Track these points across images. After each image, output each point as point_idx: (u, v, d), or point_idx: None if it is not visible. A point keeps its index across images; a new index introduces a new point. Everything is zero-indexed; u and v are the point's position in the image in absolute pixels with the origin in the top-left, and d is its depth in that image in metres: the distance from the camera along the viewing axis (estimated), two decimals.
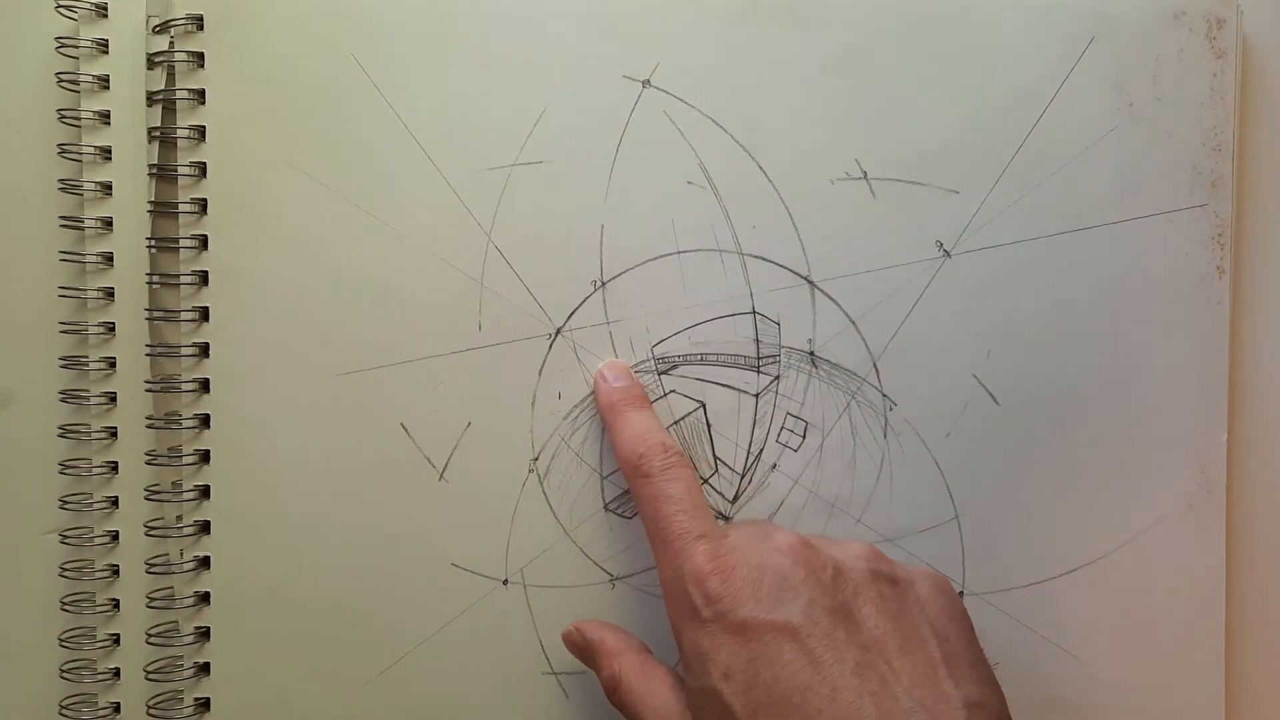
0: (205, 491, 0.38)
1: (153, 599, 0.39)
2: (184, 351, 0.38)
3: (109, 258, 0.38)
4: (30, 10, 0.39)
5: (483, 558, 0.38)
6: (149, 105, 0.38)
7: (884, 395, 0.39)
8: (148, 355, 0.38)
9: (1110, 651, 0.39)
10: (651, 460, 0.35)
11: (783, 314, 0.39)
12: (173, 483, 0.39)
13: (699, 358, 0.39)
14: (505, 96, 0.38)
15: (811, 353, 0.39)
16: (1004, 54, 0.39)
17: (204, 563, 0.39)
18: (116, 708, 0.39)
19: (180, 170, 0.38)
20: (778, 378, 0.39)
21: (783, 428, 0.39)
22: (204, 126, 0.38)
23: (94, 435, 0.38)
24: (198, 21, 0.38)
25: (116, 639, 0.39)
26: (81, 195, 0.38)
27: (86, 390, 0.39)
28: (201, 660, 0.39)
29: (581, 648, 0.36)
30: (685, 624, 0.32)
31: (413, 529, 0.38)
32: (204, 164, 0.38)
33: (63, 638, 0.39)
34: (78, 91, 0.38)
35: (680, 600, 0.32)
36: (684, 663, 0.32)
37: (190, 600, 0.39)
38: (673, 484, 0.34)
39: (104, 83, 0.38)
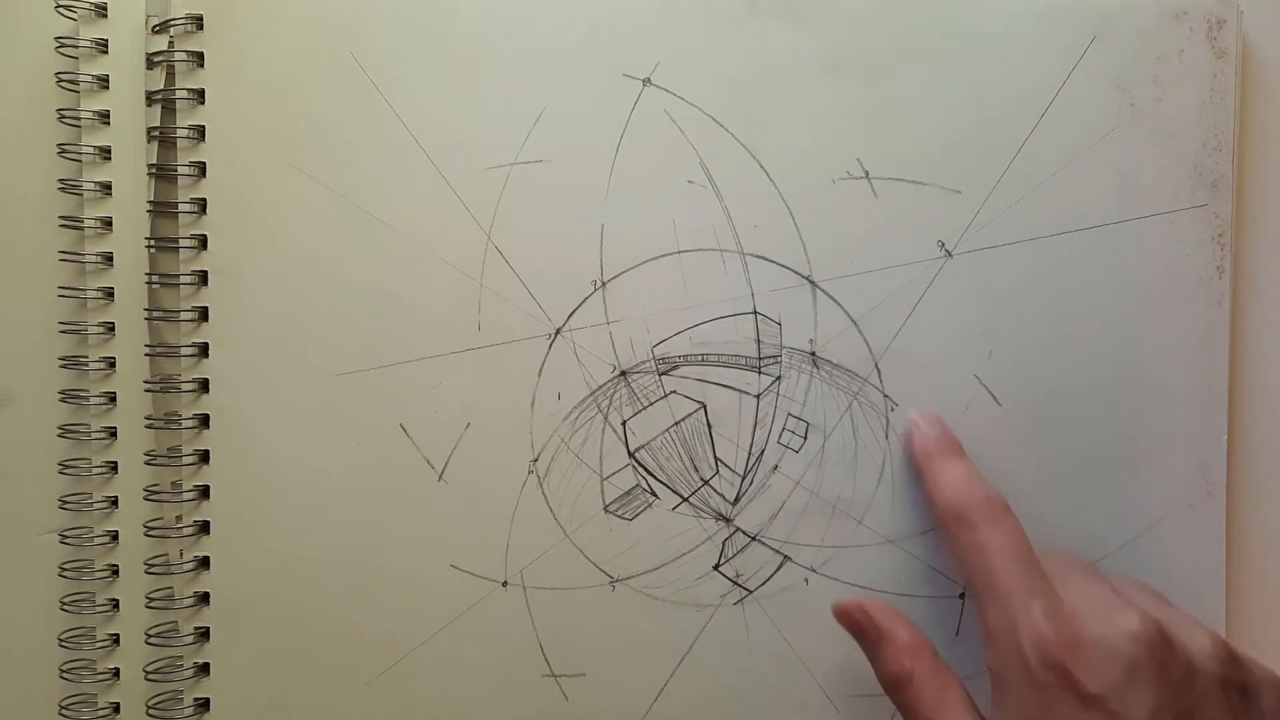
0: (205, 491, 0.38)
1: (152, 599, 0.39)
2: (183, 351, 0.38)
3: (109, 258, 0.38)
4: (30, 10, 0.38)
5: (482, 559, 0.38)
6: (148, 105, 0.38)
7: (885, 396, 0.39)
8: (147, 355, 0.38)
9: None
10: (977, 508, 0.34)
11: (784, 314, 0.39)
12: (172, 483, 0.39)
13: (700, 358, 0.39)
14: (505, 95, 0.38)
15: (813, 353, 0.39)
16: (1005, 53, 0.39)
17: (204, 563, 0.38)
18: (116, 708, 0.39)
19: (180, 170, 0.38)
20: (779, 378, 0.39)
21: (784, 429, 0.39)
22: (204, 126, 0.38)
23: (94, 435, 0.38)
24: (197, 21, 0.38)
25: (116, 639, 0.39)
26: (81, 195, 0.38)
27: (86, 390, 0.38)
28: (201, 660, 0.39)
29: (862, 628, 0.35)
30: (1015, 682, 0.31)
31: (412, 530, 0.38)
32: (203, 164, 0.38)
33: (63, 638, 0.39)
34: (77, 91, 0.38)
35: (1013, 656, 0.31)
36: (1006, 712, 0.31)
37: (190, 600, 0.38)
38: (1000, 535, 0.33)
39: (104, 83, 0.38)
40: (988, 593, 0.33)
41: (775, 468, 0.39)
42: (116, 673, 0.39)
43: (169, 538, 0.38)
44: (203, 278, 0.38)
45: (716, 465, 0.39)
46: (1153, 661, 0.30)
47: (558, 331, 0.38)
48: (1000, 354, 0.39)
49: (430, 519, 0.38)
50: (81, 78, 0.38)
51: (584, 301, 0.38)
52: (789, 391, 0.39)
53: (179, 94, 0.38)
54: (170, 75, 0.38)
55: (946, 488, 0.36)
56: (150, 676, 0.38)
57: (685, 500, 0.39)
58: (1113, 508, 0.39)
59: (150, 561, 0.39)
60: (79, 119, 0.38)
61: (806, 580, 0.39)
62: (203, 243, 0.38)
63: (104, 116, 0.38)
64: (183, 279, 0.38)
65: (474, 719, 0.39)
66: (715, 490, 0.39)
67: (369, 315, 0.38)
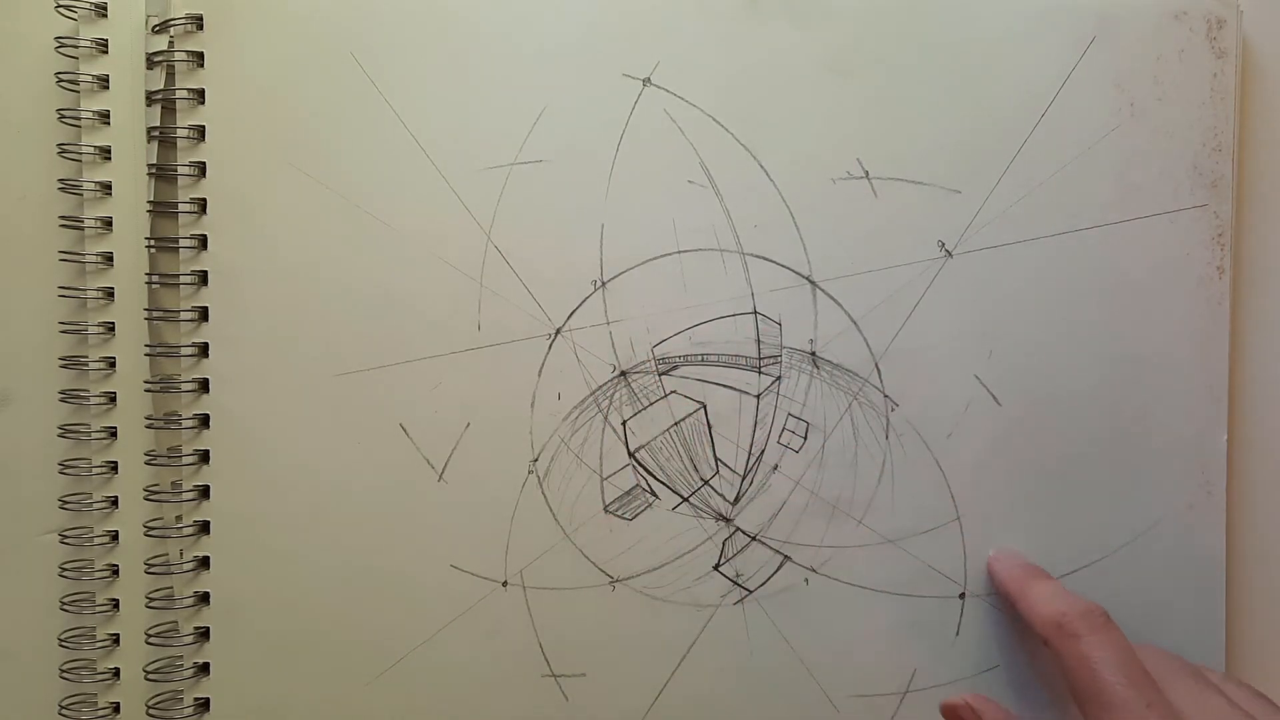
0: (205, 491, 0.38)
1: (152, 599, 0.39)
2: (183, 351, 0.38)
3: (109, 258, 0.38)
4: (30, 10, 0.38)
5: (482, 559, 0.38)
6: (148, 105, 0.38)
7: (885, 396, 0.39)
8: (147, 355, 0.38)
9: None
10: (1078, 621, 0.34)
11: (784, 314, 0.39)
12: (172, 483, 0.39)
13: (700, 358, 0.39)
14: (505, 95, 0.38)
15: (813, 353, 0.39)
16: (1006, 53, 0.39)
17: (203, 563, 0.38)
18: (116, 708, 0.39)
19: (180, 170, 0.38)
20: (779, 378, 0.39)
21: (784, 429, 0.39)
22: (203, 126, 0.38)
23: (94, 435, 0.38)
24: (197, 21, 0.38)
25: (116, 639, 0.39)
26: (81, 195, 0.38)
27: (86, 390, 0.38)
28: (201, 660, 0.39)
29: None
30: None
31: (412, 530, 0.38)
32: (203, 164, 0.38)
33: (63, 638, 0.39)
34: (78, 91, 0.38)
35: None
36: None
37: (190, 600, 0.38)
38: (1108, 647, 0.33)
39: (104, 83, 0.38)
40: (1098, 705, 0.32)
41: (775, 468, 0.39)
42: (116, 673, 0.39)
43: (169, 538, 0.38)
44: (203, 278, 0.38)
45: (716, 465, 0.39)
46: None
47: (558, 331, 0.38)
48: (1000, 354, 0.39)
49: (430, 519, 0.38)
50: (81, 78, 0.38)
51: (584, 301, 0.38)
52: (789, 391, 0.39)
53: (179, 94, 0.38)
54: (170, 75, 0.38)
55: (1044, 603, 0.36)
56: (150, 676, 0.38)
57: (685, 500, 0.39)
58: (1113, 508, 0.39)
59: (150, 561, 0.39)
60: (79, 119, 0.38)
61: (806, 580, 0.39)
62: (203, 243, 0.38)
63: (104, 116, 0.38)
64: (183, 279, 0.38)
65: (474, 719, 0.39)
66: (715, 490, 0.39)
67: (369, 315, 0.38)
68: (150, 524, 0.38)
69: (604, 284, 0.38)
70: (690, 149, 0.38)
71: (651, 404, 0.39)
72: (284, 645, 0.39)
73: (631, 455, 0.39)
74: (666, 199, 0.38)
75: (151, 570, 0.39)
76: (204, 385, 0.38)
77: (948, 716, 0.37)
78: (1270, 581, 0.40)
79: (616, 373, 0.39)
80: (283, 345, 0.38)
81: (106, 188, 0.38)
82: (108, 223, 0.38)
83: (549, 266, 0.38)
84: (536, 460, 0.38)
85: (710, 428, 0.39)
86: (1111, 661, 0.33)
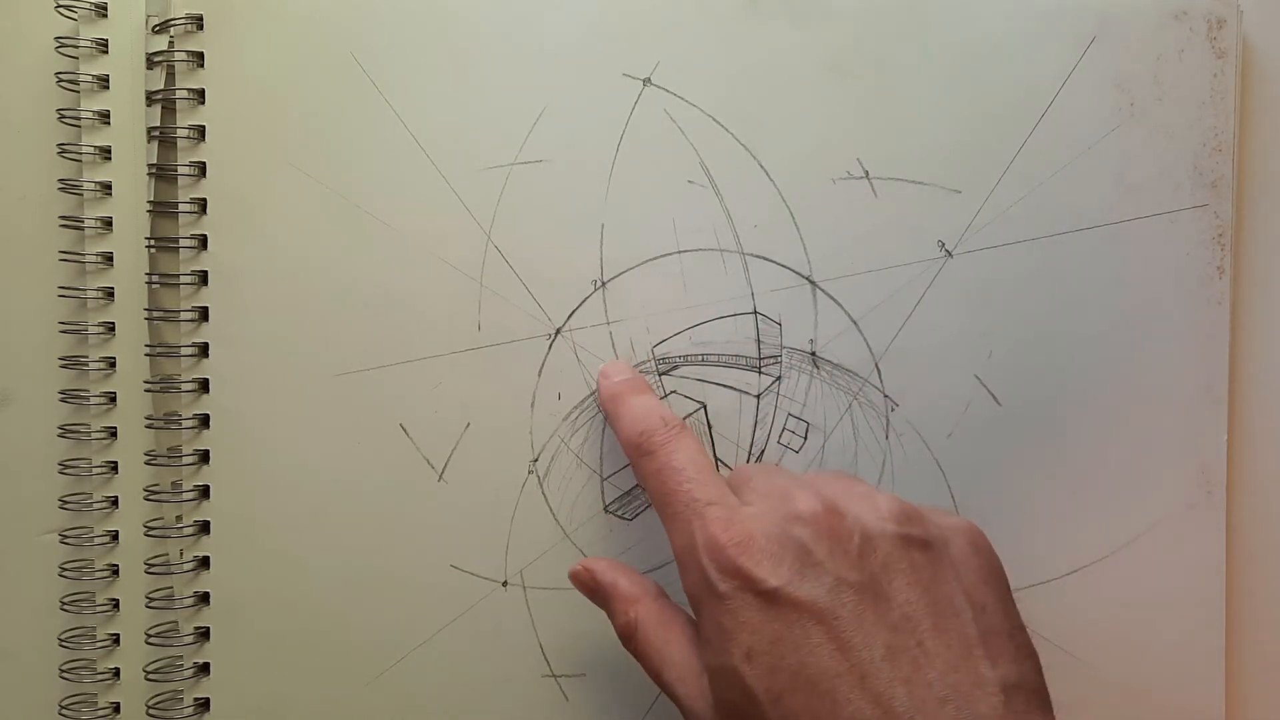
0: (205, 491, 0.38)
1: (152, 599, 0.39)
2: (183, 351, 0.38)
3: (109, 257, 0.38)
4: (30, 10, 0.38)
5: (482, 559, 0.38)
6: (149, 105, 0.38)
7: (886, 396, 0.39)
8: (147, 355, 0.38)
9: (1110, 651, 0.39)
10: (653, 436, 0.34)
11: (784, 314, 0.39)
12: (172, 483, 0.39)
13: (700, 358, 0.39)
14: (505, 95, 0.38)
15: (813, 353, 0.39)
16: (1006, 53, 0.39)
17: (203, 563, 0.38)
18: (116, 708, 0.39)
19: (180, 170, 0.38)
20: (779, 378, 0.39)
21: (784, 429, 0.39)
22: (204, 126, 0.38)
23: (94, 435, 0.38)
24: (197, 21, 0.38)
25: (116, 639, 0.39)
26: (81, 195, 0.38)
27: (86, 390, 0.38)
28: (201, 660, 0.39)
29: (592, 589, 0.35)
30: (703, 598, 0.30)
31: (412, 530, 0.38)
32: (203, 164, 0.38)
33: (63, 638, 0.39)
34: (78, 91, 0.38)
35: (695, 572, 0.30)
36: (703, 638, 0.30)
37: (190, 600, 0.38)
38: (676, 455, 0.33)
39: (104, 83, 0.38)
40: (668, 514, 0.32)
41: None
42: (116, 673, 0.39)
43: (169, 538, 0.38)
44: (203, 278, 0.38)
45: (717, 465, 0.39)
46: (824, 539, 0.29)
47: (558, 331, 0.38)
48: (1000, 354, 0.39)
49: (430, 519, 0.38)
50: (81, 78, 0.38)
51: (584, 301, 0.38)
52: (789, 391, 0.39)
53: (179, 94, 0.38)
54: (170, 75, 0.38)
55: (629, 421, 0.35)
56: (150, 676, 0.38)
57: None
58: (1113, 507, 0.39)
59: (150, 561, 0.38)
60: (79, 119, 0.38)
61: None
62: (203, 243, 0.38)
63: (104, 116, 0.38)
64: (183, 279, 0.38)
65: (474, 719, 0.39)
66: None
67: (369, 315, 0.38)
68: (150, 524, 0.38)
69: (604, 284, 0.38)
70: (690, 149, 0.38)
71: (651, 388, 0.39)
72: (284, 645, 0.39)
73: None
74: (666, 199, 0.38)
75: (151, 570, 0.39)
76: (204, 385, 0.38)
77: (577, 587, 0.35)
78: (1270, 581, 0.40)
79: None
80: (283, 345, 0.38)
81: (106, 188, 0.38)
82: (108, 223, 0.38)
83: (549, 266, 0.38)
84: (536, 460, 0.38)
85: (710, 428, 0.39)
86: (680, 468, 0.32)
